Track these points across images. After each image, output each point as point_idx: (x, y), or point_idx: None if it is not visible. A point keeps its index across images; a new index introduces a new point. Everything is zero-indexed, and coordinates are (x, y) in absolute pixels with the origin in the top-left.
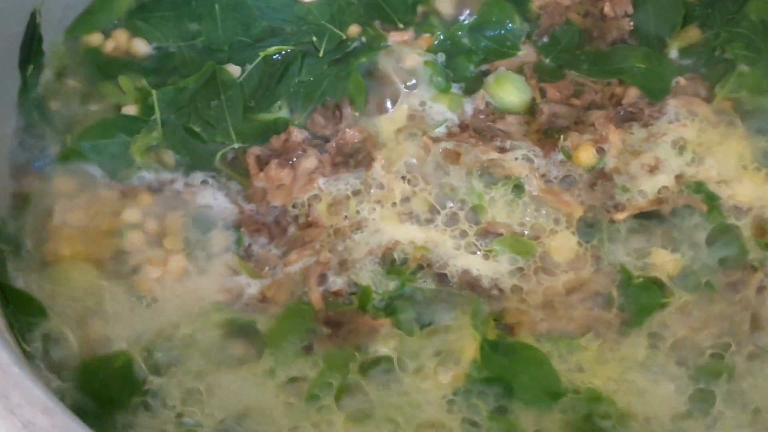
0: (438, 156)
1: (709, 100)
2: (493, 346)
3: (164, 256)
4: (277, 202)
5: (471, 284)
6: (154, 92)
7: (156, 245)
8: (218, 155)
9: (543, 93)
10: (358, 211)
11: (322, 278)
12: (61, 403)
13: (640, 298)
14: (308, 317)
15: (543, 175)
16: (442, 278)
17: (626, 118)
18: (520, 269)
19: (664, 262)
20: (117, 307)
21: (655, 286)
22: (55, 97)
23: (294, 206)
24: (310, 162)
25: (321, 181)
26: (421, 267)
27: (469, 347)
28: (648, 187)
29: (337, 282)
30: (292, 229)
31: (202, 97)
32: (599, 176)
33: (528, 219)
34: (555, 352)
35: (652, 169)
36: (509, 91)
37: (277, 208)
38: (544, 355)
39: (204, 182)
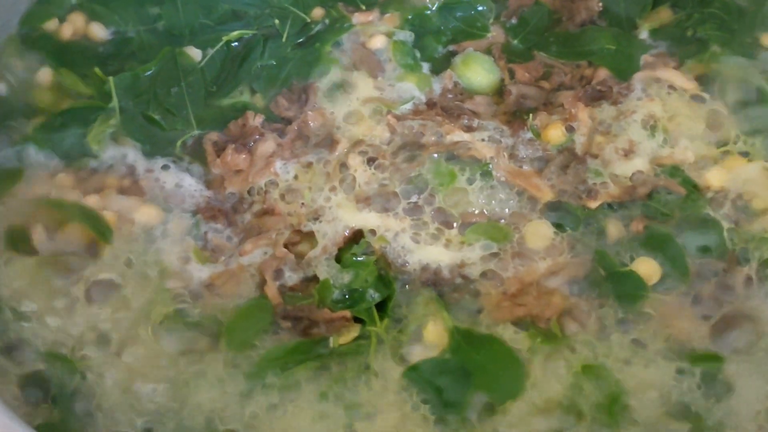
0: (403, 137)
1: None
2: (464, 336)
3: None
4: (234, 188)
5: (434, 276)
6: (111, 79)
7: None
8: (178, 143)
9: (512, 74)
10: (313, 199)
11: (278, 273)
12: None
13: (622, 287)
14: (267, 313)
15: (511, 155)
16: (402, 270)
17: (595, 97)
18: (495, 254)
19: (648, 271)
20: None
21: (637, 276)
22: (8, 85)
23: (250, 193)
24: (267, 146)
25: (278, 165)
26: (381, 257)
27: (432, 335)
28: (622, 171)
29: (293, 277)
30: (248, 217)
31: (162, 83)
32: (571, 158)
33: (497, 205)
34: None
35: (627, 153)
36: (477, 71)
37: (235, 194)
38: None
39: (165, 167)
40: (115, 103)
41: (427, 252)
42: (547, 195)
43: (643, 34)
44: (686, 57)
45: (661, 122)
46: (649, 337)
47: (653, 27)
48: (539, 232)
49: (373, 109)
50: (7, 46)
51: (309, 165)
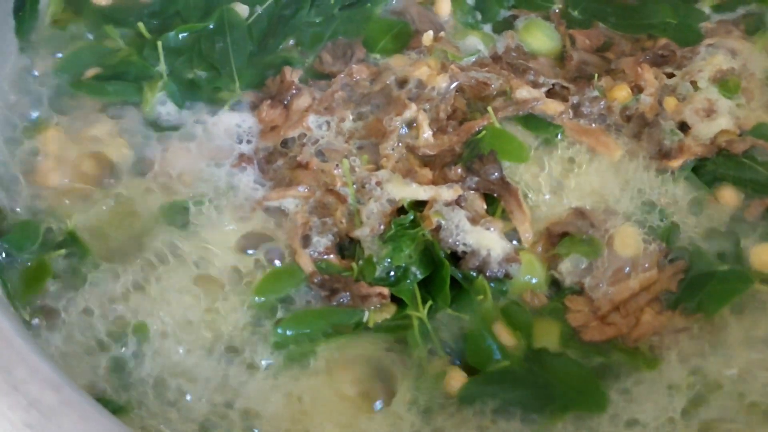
0: (467, 91)
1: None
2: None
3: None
4: (269, 143)
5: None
6: (159, 44)
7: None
8: (226, 107)
9: (572, 41)
10: (353, 163)
11: (306, 240)
12: (70, 379)
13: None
14: (297, 278)
15: (577, 114)
16: (453, 254)
17: (658, 63)
18: (587, 270)
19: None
20: None
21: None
22: (53, 43)
23: (286, 145)
24: (303, 100)
25: (311, 119)
26: (434, 234)
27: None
28: (706, 133)
29: (321, 242)
30: (280, 162)
31: (207, 39)
32: (643, 124)
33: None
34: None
35: (709, 113)
36: (538, 37)
37: (270, 147)
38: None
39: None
40: (162, 67)
41: (485, 237)
42: (616, 152)
43: (705, 10)
44: (750, 33)
45: (732, 79)
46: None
47: (714, 3)
48: (628, 239)
49: (435, 60)
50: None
51: (345, 122)
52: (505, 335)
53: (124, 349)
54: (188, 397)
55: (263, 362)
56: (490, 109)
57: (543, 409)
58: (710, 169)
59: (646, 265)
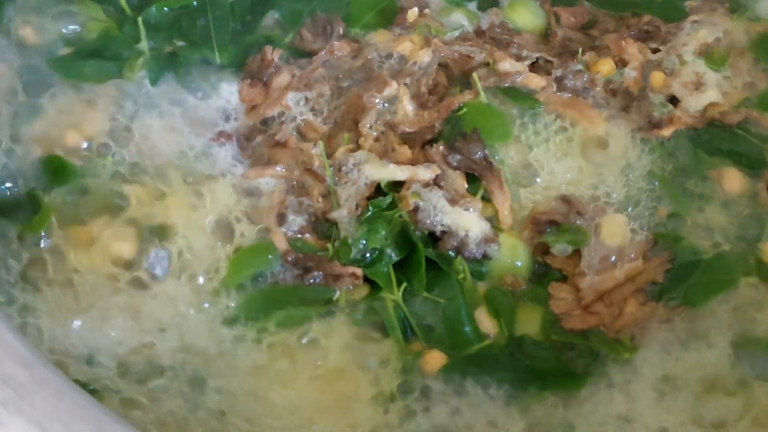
0: (450, 65)
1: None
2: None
3: None
4: (251, 121)
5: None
6: (140, 20)
7: None
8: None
9: (557, 18)
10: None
11: (281, 218)
12: (41, 356)
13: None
14: (270, 254)
15: (561, 87)
16: (431, 235)
17: (643, 38)
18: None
19: None
20: None
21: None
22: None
23: (265, 123)
24: (282, 78)
25: (290, 97)
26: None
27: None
28: (695, 106)
29: (297, 221)
30: (259, 140)
31: (189, 15)
32: (630, 99)
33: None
34: None
35: (697, 86)
36: (523, 14)
37: (250, 125)
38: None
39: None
40: (144, 45)
41: (464, 218)
42: (600, 126)
43: None
44: (733, 11)
45: (717, 51)
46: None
47: None
48: (615, 227)
49: (418, 35)
50: None
51: (328, 97)
52: (486, 321)
53: None
54: None
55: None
56: (475, 75)
57: (525, 388)
58: (705, 139)
59: (632, 255)
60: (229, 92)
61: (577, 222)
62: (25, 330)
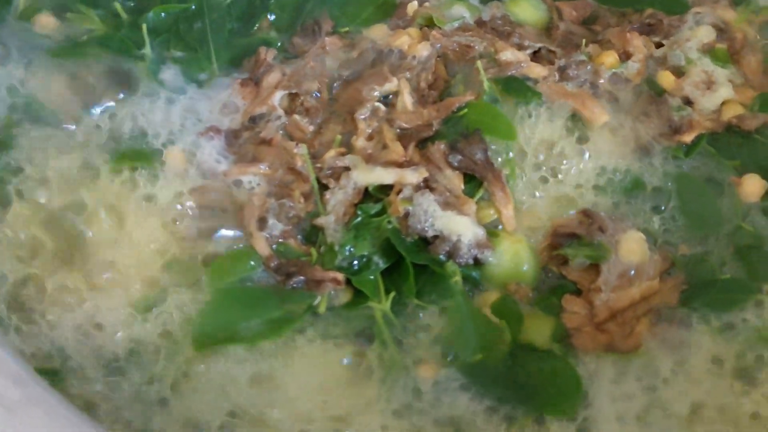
0: (449, 56)
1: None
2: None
3: None
4: (241, 119)
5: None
6: (144, 26)
7: None
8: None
9: (559, 13)
10: (320, 141)
11: (262, 222)
12: (35, 373)
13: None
14: (253, 260)
15: (563, 77)
16: (422, 239)
17: (646, 32)
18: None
19: None
20: None
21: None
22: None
23: (253, 121)
24: (273, 77)
25: (277, 96)
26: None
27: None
28: (709, 105)
29: (277, 225)
30: (245, 137)
31: (185, 19)
32: (650, 101)
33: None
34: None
35: (709, 85)
36: (525, 8)
37: (240, 123)
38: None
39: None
40: (147, 50)
41: (457, 222)
42: (601, 117)
43: None
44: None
45: (718, 48)
46: None
47: None
48: (634, 245)
49: (415, 29)
50: None
51: (319, 95)
52: (489, 329)
53: None
54: None
55: None
56: (479, 63)
57: (519, 407)
58: (723, 144)
59: (651, 273)
60: (226, 95)
61: (599, 239)
62: None
